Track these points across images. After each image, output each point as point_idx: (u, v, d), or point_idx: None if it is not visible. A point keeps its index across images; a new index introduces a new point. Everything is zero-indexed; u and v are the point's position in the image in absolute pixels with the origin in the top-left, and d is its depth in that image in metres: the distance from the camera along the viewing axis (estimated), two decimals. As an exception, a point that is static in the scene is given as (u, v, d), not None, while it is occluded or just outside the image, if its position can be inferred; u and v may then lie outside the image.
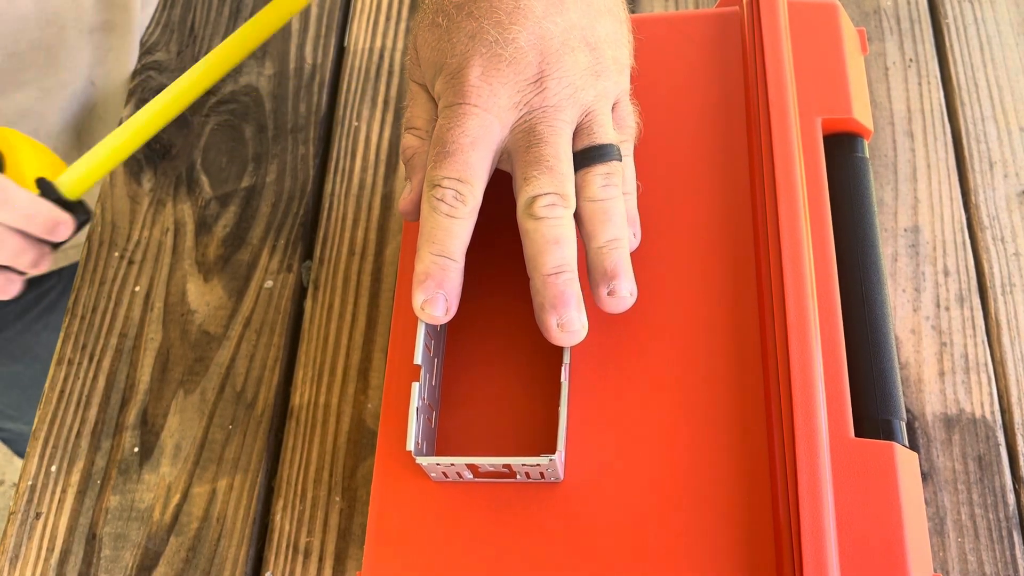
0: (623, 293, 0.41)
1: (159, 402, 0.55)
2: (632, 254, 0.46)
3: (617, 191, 0.41)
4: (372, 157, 0.61)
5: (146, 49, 0.67)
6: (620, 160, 0.42)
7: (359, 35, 0.66)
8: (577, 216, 0.41)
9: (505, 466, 0.41)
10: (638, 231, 0.45)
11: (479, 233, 0.49)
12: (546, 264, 0.40)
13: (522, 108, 0.41)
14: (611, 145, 0.41)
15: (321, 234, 0.59)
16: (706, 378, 0.43)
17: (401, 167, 0.60)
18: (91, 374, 0.56)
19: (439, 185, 0.40)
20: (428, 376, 0.44)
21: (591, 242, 0.41)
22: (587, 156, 0.41)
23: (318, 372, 0.54)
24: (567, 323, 0.40)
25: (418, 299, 0.40)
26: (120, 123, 0.64)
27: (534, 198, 0.40)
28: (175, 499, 0.52)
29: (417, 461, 0.40)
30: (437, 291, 0.40)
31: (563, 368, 0.42)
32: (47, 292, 0.77)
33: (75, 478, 0.53)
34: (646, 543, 0.40)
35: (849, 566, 0.38)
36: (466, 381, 0.46)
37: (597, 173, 0.41)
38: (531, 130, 0.41)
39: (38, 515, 0.52)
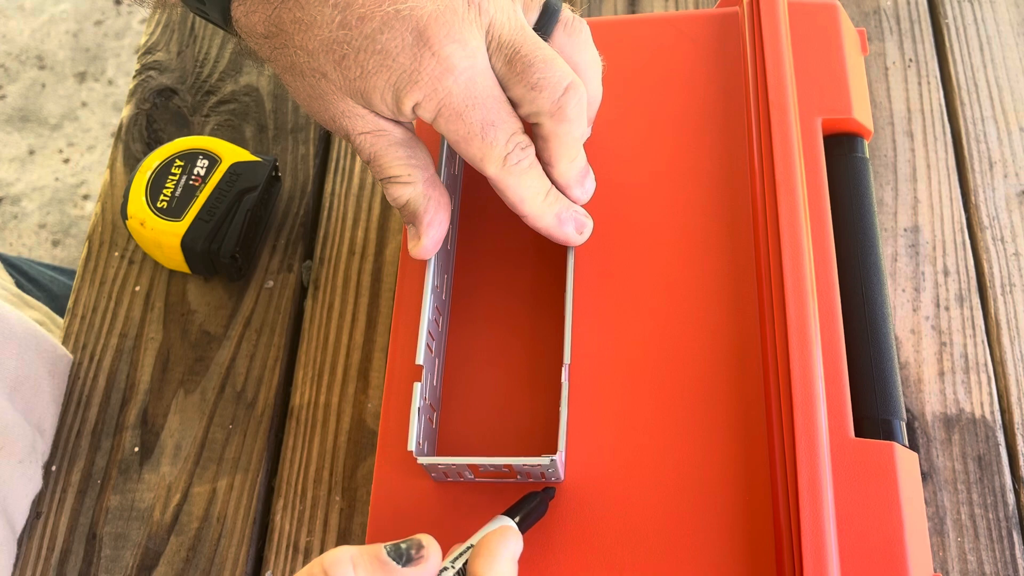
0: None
1: (159, 402, 0.55)
2: (632, 254, 0.47)
3: None
4: (372, 157, 0.61)
5: (146, 49, 0.67)
6: None
7: (359, 35, 0.66)
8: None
9: (506, 466, 0.41)
10: None
11: (479, 233, 0.49)
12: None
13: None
14: None
15: (321, 234, 0.59)
16: (706, 378, 0.43)
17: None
18: (91, 374, 0.56)
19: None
20: (429, 376, 0.44)
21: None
22: None
23: (318, 372, 0.54)
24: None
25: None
26: (119, 126, 0.64)
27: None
28: (175, 499, 0.52)
29: (418, 461, 0.40)
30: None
31: (563, 368, 0.42)
32: None
33: (75, 478, 0.53)
34: (646, 543, 0.40)
35: (849, 566, 0.38)
36: (467, 381, 0.46)
37: None
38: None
39: (38, 515, 0.52)
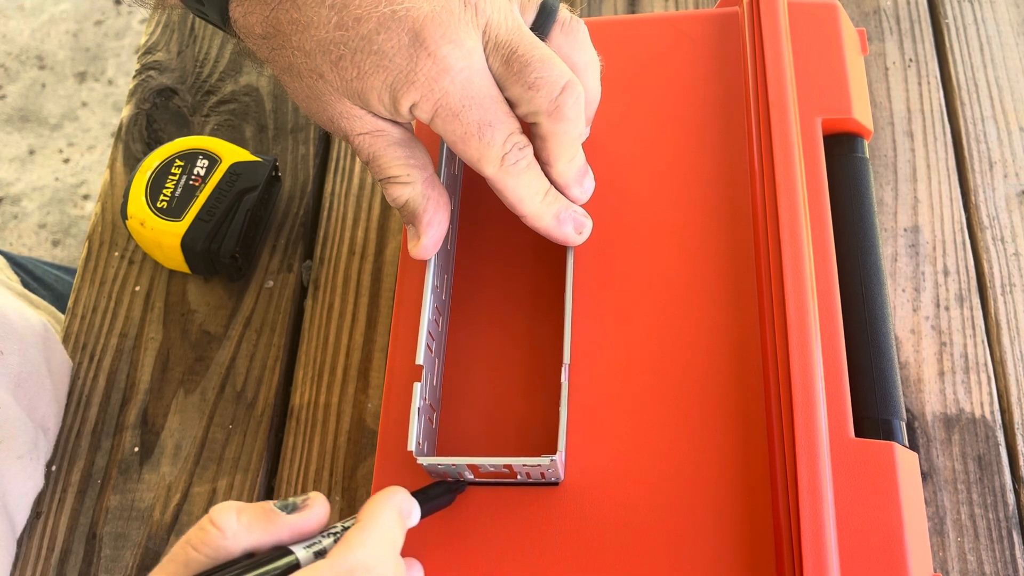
0: None
1: (159, 402, 0.55)
2: (632, 254, 0.47)
3: None
4: (372, 157, 0.61)
5: (146, 49, 0.67)
6: None
7: (359, 35, 0.66)
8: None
9: (506, 466, 0.41)
10: None
11: (479, 233, 0.49)
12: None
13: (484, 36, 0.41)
14: None
15: (321, 234, 0.59)
16: (706, 378, 0.43)
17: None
18: (91, 374, 0.56)
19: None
20: (429, 376, 0.44)
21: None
22: None
23: (318, 372, 0.54)
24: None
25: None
26: (119, 126, 0.64)
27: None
28: (175, 499, 0.52)
29: (418, 461, 0.40)
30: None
31: (563, 368, 0.42)
32: None
33: (75, 477, 0.53)
34: (646, 543, 0.40)
35: (849, 566, 0.38)
36: (466, 381, 0.46)
37: None
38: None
39: (38, 515, 0.52)
